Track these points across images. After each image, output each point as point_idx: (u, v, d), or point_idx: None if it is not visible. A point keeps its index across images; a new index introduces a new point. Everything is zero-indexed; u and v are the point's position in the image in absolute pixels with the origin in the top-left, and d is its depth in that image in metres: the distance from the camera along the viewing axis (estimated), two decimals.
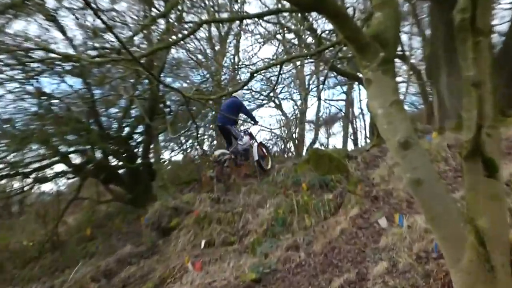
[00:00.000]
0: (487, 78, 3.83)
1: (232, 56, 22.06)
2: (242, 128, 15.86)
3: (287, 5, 4.24)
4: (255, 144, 14.21)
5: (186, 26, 13.89)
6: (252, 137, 14.47)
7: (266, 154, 14.73)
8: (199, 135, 19.18)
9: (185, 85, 18.18)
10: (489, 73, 3.87)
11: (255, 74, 8.61)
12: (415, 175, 3.85)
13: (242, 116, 14.26)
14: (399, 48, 18.87)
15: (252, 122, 14.14)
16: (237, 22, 18.76)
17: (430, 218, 3.96)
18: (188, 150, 19.24)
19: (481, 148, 3.74)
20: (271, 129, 15.42)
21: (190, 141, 19.36)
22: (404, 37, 22.01)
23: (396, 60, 21.03)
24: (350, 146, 25.87)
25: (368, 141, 22.54)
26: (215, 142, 20.01)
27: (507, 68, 12.29)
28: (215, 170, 13.81)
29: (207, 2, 15.42)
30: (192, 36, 13.26)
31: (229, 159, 13.85)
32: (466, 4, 3.63)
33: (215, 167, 13.85)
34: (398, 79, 25.48)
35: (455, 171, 9.17)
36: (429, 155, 9.87)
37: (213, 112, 18.42)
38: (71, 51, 13.93)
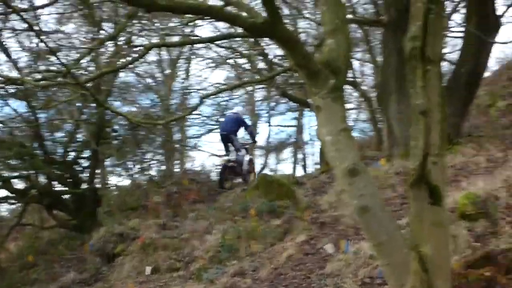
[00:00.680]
0: (435, 106, 3.93)
1: (182, 80, 22.05)
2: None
3: (239, 29, 4.29)
4: (248, 158, 15.26)
5: (135, 49, 13.83)
6: (247, 151, 15.59)
7: (252, 170, 15.74)
8: (146, 160, 19.01)
9: (133, 109, 18.05)
10: (437, 102, 3.97)
11: (205, 99, 8.64)
12: (362, 202, 3.90)
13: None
14: (351, 75, 19.21)
15: (251, 140, 15.95)
16: (188, 46, 18.76)
17: (375, 244, 4.03)
18: (135, 176, 19.00)
19: (426, 176, 3.81)
20: (220, 155, 15.47)
21: (138, 166, 19.15)
22: (356, 64, 22.40)
23: (347, 86, 21.40)
24: (300, 172, 26.04)
25: (318, 167, 22.77)
26: (163, 167, 19.85)
27: (456, 96, 12.58)
28: (223, 174, 15.14)
29: (157, 25, 15.42)
30: (141, 60, 13.20)
31: (232, 168, 15.04)
32: (417, 33, 3.70)
33: (221, 171, 15.19)
34: (349, 105, 25.90)
35: (402, 198, 9.34)
36: (376, 182, 10.04)
37: (163, 137, 18.32)
38: (15, 74, 13.61)
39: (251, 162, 15.66)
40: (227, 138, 15.19)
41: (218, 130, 16.27)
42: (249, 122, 17.58)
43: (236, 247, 9.69)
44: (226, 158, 15.16)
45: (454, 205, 7.70)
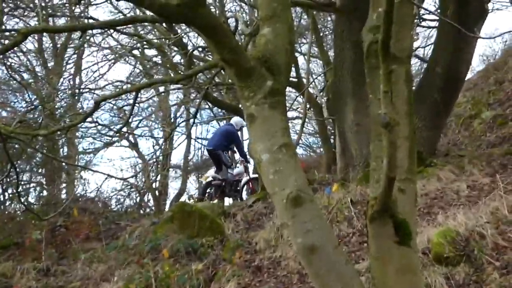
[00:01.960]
0: (403, 118, 3.99)
1: (71, 77, 21.76)
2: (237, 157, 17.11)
3: (148, 13, 4.25)
4: (245, 179, 16.01)
5: (7, 34, 13.59)
6: (246, 170, 16.30)
7: (253, 192, 16.12)
8: (21, 183, 18.60)
9: (4, 114, 17.68)
10: (405, 112, 4.04)
11: (102, 103, 8.55)
12: (308, 240, 3.89)
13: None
14: (294, 74, 19.36)
15: (242, 159, 16.48)
16: (79, 31, 18.55)
17: None
18: (6, 203, 18.57)
19: (391, 207, 3.86)
20: (122, 178, 15.45)
21: (10, 190, 18.72)
22: (301, 60, 22.63)
23: (290, 89, 21.58)
24: (229, 200, 26.04)
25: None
26: (44, 192, 19.47)
27: (430, 104, 12.79)
28: (203, 193, 15.88)
29: (37, 2, 15.18)
30: (16, 49, 12.96)
31: (218, 186, 15.76)
32: (379, 22, 3.70)
33: (203, 189, 15.96)
34: (291, 114, 26.14)
35: (360, 234, 9.46)
36: (327, 213, 10.15)
37: (44, 152, 17.99)
38: None
39: (251, 181, 16.42)
40: (214, 154, 16.08)
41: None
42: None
43: None
44: (209, 173, 16.06)
45: (427, 246, 7.85)
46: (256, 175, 16.50)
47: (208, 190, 16.39)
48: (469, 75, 21.13)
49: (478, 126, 18.69)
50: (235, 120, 16.79)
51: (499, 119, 18.15)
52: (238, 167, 16.42)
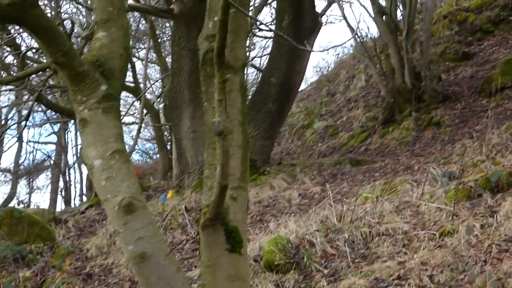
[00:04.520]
0: (236, 126, 4.03)
1: None
2: None
3: None
4: None
5: None
6: None
7: None
8: None
9: None
10: (239, 121, 4.08)
11: None
12: (139, 248, 3.85)
13: None
14: (131, 79, 19.21)
15: None
16: None
17: None
18: None
19: (223, 214, 3.89)
20: None
21: None
22: (138, 65, 22.50)
23: (125, 94, 21.40)
24: (60, 205, 25.51)
25: (85, 199, 22.45)
26: None
27: (264, 114, 13.03)
28: None
29: None
30: None
31: None
32: (214, 30, 3.74)
33: None
34: (128, 119, 25.92)
35: (193, 241, 9.50)
36: (161, 220, 10.14)
37: None
38: None
39: None
40: None
41: None
42: None
43: None
44: None
45: (259, 253, 7.98)
46: None
47: None
48: (303, 86, 21.76)
49: (310, 136, 19.26)
50: None
51: (330, 130, 18.78)
52: None
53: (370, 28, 26.37)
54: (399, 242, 7.65)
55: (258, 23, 19.19)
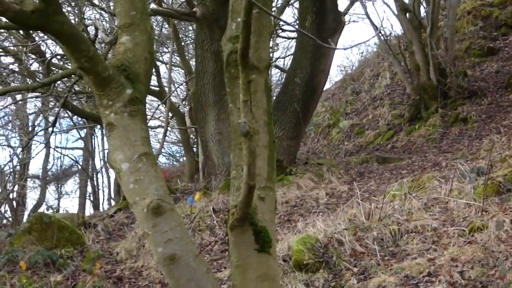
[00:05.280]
0: (262, 127, 4.03)
1: None
2: None
3: (4, 19, 4.12)
4: None
5: None
6: None
7: None
8: None
9: None
10: (264, 121, 4.08)
11: None
12: (168, 250, 3.87)
13: None
14: (155, 83, 19.27)
15: None
16: None
17: None
18: None
19: (251, 215, 3.89)
20: None
21: None
22: (162, 69, 22.56)
23: (152, 99, 21.48)
24: (89, 210, 25.63)
25: (113, 203, 22.53)
26: None
27: (289, 114, 13.02)
28: None
29: None
30: None
31: None
32: (238, 32, 3.72)
33: None
34: (154, 123, 26.00)
35: (222, 243, 9.50)
36: (189, 222, 10.15)
37: None
38: None
39: None
40: None
41: None
42: None
43: None
44: None
45: (287, 253, 7.96)
46: None
47: None
48: (327, 85, 21.69)
49: (336, 135, 19.21)
50: None
51: (356, 128, 18.72)
52: None
53: (394, 26, 26.19)
54: (429, 239, 7.62)
55: (281, 23, 19.17)
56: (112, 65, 4.08)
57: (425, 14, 16.84)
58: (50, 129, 16.44)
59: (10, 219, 21.76)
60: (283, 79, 14.47)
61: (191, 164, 18.88)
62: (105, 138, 16.85)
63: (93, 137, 26.89)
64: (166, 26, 19.65)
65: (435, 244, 7.42)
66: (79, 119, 22.80)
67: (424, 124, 15.68)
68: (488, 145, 11.59)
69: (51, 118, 21.90)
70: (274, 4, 18.30)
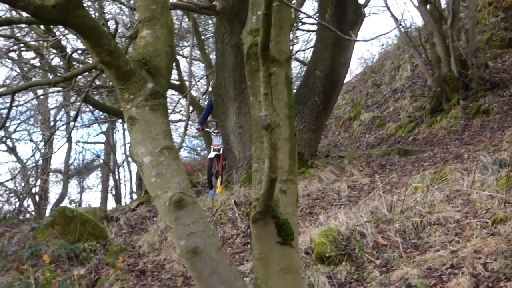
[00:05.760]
0: (283, 119, 4.02)
1: None
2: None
3: (25, 14, 4.13)
4: (212, 154, 13.95)
5: None
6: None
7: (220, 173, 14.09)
8: None
9: None
10: (285, 114, 4.07)
11: None
12: (191, 243, 3.89)
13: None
14: (176, 77, 19.30)
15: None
16: None
17: None
18: None
19: (273, 208, 3.89)
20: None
21: None
22: (182, 63, 22.58)
23: (172, 93, 21.52)
24: (111, 203, 25.74)
25: (135, 197, 22.61)
26: None
27: (310, 106, 13.00)
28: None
29: None
30: None
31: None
32: (258, 24, 3.72)
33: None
34: (174, 117, 26.05)
35: (244, 235, 9.51)
36: (211, 215, 10.17)
37: None
38: None
39: (221, 160, 14.09)
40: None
41: None
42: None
43: None
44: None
45: (310, 245, 7.95)
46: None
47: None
48: (348, 78, 21.65)
49: (357, 128, 19.18)
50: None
51: (377, 121, 18.67)
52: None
53: (414, 18, 26.09)
54: (451, 231, 7.58)
55: (300, 16, 19.13)
56: (133, 59, 4.09)
57: (445, 5, 16.75)
58: (72, 123, 16.46)
59: (33, 213, 21.88)
60: (304, 72, 14.42)
61: None
62: (126, 132, 16.91)
63: (114, 131, 27.00)
64: (186, 20, 19.66)
65: (457, 236, 7.38)
66: (100, 113, 22.88)
67: (445, 116, 15.62)
68: (510, 137, 11.53)
69: (72, 113, 22.03)
70: None
